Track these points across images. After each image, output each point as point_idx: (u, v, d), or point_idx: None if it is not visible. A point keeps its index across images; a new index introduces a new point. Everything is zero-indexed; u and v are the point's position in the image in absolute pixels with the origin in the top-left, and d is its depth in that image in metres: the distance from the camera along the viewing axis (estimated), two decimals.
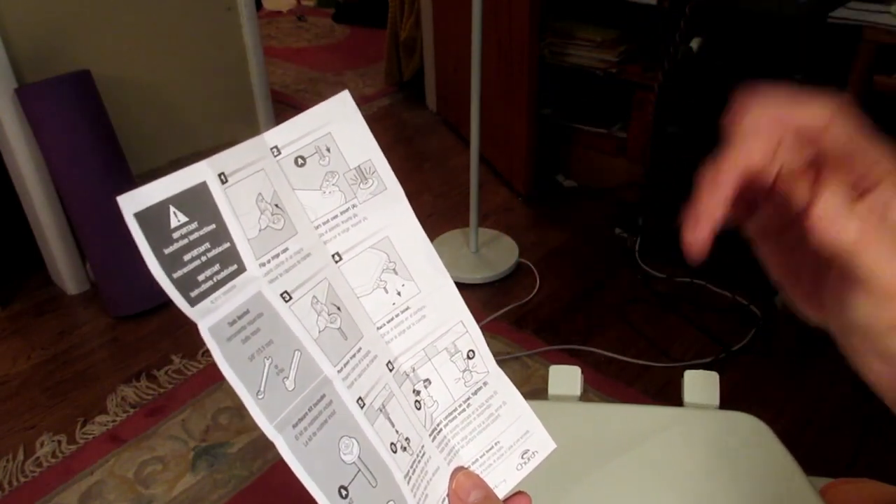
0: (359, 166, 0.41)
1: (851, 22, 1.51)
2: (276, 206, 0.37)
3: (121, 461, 1.55)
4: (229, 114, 2.37)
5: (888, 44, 1.48)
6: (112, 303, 1.97)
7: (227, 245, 0.34)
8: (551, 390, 0.82)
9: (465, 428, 0.43)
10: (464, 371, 0.44)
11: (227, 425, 1.62)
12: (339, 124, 0.40)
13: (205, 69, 2.25)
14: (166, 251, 0.32)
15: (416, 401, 0.42)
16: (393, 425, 0.39)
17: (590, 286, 2.06)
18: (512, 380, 0.45)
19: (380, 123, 3.15)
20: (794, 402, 1.65)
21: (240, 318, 0.34)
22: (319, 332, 0.37)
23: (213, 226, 0.34)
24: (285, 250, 0.37)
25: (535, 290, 2.04)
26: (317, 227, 0.39)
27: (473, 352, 0.44)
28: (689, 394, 0.79)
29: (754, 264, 0.42)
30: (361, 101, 3.32)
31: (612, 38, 2.32)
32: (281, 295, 0.36)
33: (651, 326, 1.89)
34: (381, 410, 0.39)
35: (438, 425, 0.43)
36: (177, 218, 0.32)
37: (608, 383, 1.71)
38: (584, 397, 0.81)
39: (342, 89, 0.43)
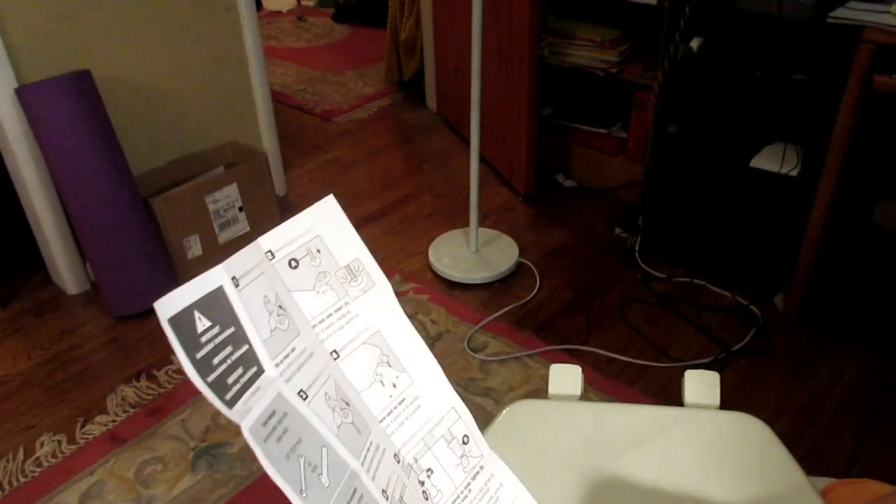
0: (348, 265, 0.43)
1: (851, 22, 1.51)
2: (280, 307, 0.39)
3: (121, 461, 1.55)
4: (229, 114, 2.37)
5: (888, 44, 1.47)
6: (112, 303, 1.97)
7: (246, 347, 0.36)
8: (552, 389, 0.81)
9: None
10: (461, 457, 0.45)
11: (227, 425, 1.62)
12: (326, 226, 0.42)
13: (205, 69, 2.25)
14: (198, 356, 0.33)
15: (423, 491, 0.43)
16: None
17: (590, 286, 2.06)
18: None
19: (380, 123, 3.15)
20: (794, 402, 1.65)
21: (269, 418, 0.35)
22: (338, 427, 0.39)
23: (233, 329, 0.35)
24: (293, 350, 0.38)
25: (535, 290, 2.04)
26: (314, 326, 0.41)
27: (468, 437, 0.46)
28: (689, 394, 0.79)
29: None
30: (361, 101, 3.32)
31: (612, 38, 2.32)
32: (298, 394, 0.37)
33: (651, 326, 1.89)
34: (401, 502, 0.40)
35: None
36: (202, 322, 0.34)
37: (608, 383, 1.71)
38: (584, 397, 0.81)
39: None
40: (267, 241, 0.40)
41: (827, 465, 1.50)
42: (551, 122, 2.55)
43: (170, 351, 1.84)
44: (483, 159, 2.65)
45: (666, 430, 0.75)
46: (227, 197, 2.13)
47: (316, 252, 0.42)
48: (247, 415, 0.34)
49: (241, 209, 2.18)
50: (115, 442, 1.60)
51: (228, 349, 0.34)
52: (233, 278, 0.36)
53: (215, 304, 0.35)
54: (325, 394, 0.39)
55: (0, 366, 1.83)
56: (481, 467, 0.45)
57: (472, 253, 2.16)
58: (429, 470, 0.43)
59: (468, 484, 0.45)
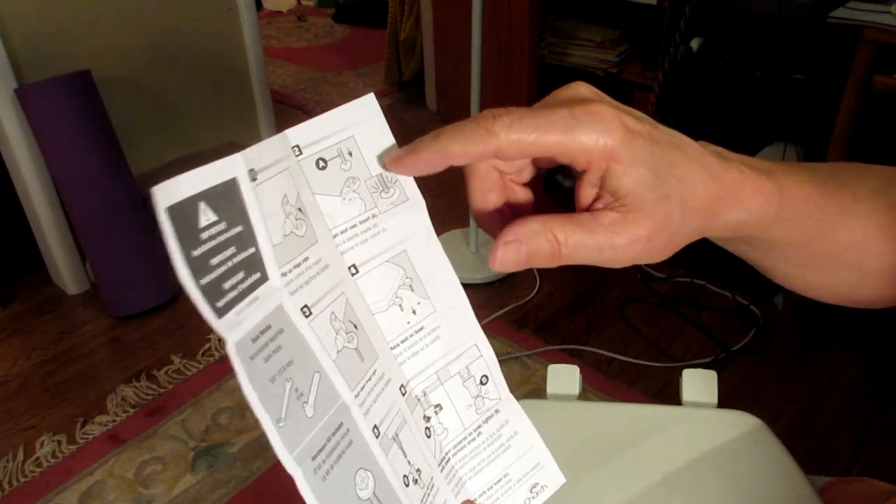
0: (381, 174, 0.38)
1: (851, 22, 1.51)
2: (300, 210, 0.34)
3: (121, 461, 1.55)
4: (229, 114, 2.37)
5: (888, 44, 1.47)
6: (112, 303, 1.97)
7: (252, 250, 0.31)
8: (550, 389, 0.82)
9: (473, 458, 0.41)
10: (476, 397, 0.41)
11: (227, 425, 1.62)
12: (362, 128, 0.38)
13: (205, 69, 2.25)
14: (194, 253, 0.29)
15: (427, 427, 0.39)
16: (405, 455, 0.37)
17: (590, 286, 2.06)
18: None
19: None
20: (794, 402, 1.65)
21: (262, 333, 0.31)
22: (338, 352, 0.35)
23: (241, 228, 0.31)
24: (305, 259, 0.34)
25: (535, 290, 2.04)
26: (335, 237, 0.37)
27: (487, 377, 0.42)
28: (687, 392, 0.79)
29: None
30: None
31: (612, 38, 2.32)
32: (301, 309, 0.33)
33: (651, 326, 1.89)
34: (394, 439, 0.37)
35: (447, 454, 0.40)
36: (206, 216, 0.29)
37: (608, 383, 1.71)
38: (584, 397, 0.81)
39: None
40: (296, 134, 0.35)
41: (827, 464, 1.50)
42: None
43: (170, 351, 1.84)
44: None
45: (663, 430, 0.75)
46: None
47: (347, 155, 0.37)
48: (237, 327, 0.29)
49: None
50: (115, 442, 1.60)
51: (231, 250, 0.30)
52: (250, 171, 0.32)
53: (225, 198, 0.30)
54: (332, 313, 0.35)
55: (0, 366, 1.83)
56: (496, 411, 0.42)
57: (471, 253, 2.16)
58: (437, 406, 0.40)
59: (479, 426, 0.41)
